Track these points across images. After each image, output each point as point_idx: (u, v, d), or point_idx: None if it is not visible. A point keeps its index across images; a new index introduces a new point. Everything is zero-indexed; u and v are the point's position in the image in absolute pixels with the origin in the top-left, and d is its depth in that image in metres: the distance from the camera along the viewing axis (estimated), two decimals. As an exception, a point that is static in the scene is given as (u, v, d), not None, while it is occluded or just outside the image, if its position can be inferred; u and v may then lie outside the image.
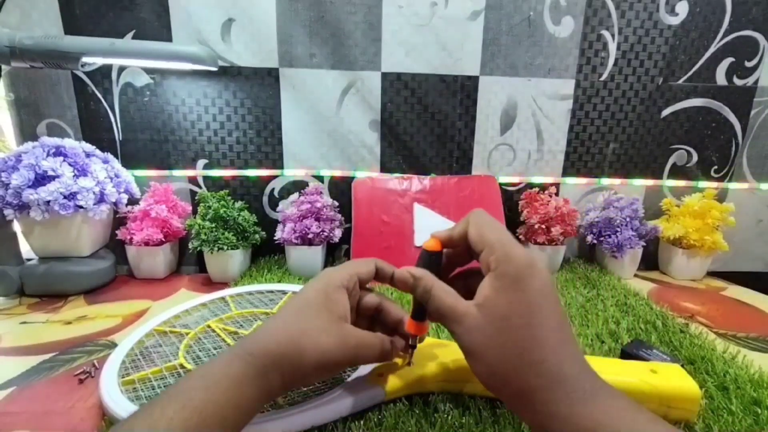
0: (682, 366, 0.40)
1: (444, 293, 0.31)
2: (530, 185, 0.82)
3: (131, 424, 0.24)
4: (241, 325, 0.52)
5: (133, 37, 0.72)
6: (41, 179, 0.62)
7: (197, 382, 0.27)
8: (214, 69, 0.72)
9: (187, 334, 0.49)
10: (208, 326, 0.51)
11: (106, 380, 0.40)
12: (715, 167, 0.83)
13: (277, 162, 0.81)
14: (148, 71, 0.74)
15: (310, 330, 0.30)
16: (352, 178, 0.80)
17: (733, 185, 0.84)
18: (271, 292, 0.61)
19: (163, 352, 0.46)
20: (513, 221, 0.81)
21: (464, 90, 0.79)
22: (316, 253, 0.73)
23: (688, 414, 0.37)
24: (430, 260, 0.34)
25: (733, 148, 0.82)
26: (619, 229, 0.75)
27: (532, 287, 0.27)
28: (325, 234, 0.73)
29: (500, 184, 0.81)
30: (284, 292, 0.61)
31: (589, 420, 0.24)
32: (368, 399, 0.38)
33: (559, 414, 0.25)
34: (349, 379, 0.40)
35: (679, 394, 0.37)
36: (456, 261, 0.35)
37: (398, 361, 0.40)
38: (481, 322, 0.28)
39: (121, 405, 0.37)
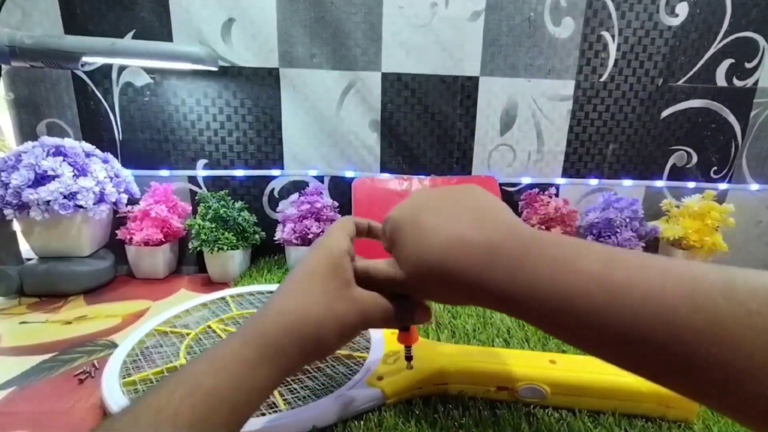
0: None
1: (378, 264, 0.33)
2: (530, 186, 0.83)
3: (135, 411, 0.23)
4: (241, 326, 0.52)
5: (134, 37, 0.72)
6: (41, 179, 0.62)
7: (206, 366, 0.26)
8: (215, 69, 0.72)
9: (188, 334, 0.49)
10: (209, 326, 0.51)
11: (108, 381, 0.40)
12: (715, 168, 0.83)
13: (278, 162, 0.81)
14: (149, 71, 0.74)
15: (322, 299, 0.30)
16: (352, 179, 0.80)
17: (732, 186, 0.84)
18: (271, 292, 0.61)
19: (164, 353, 0.46)
20: (513, 222, 0.81)
21: (464, 90, 0.79)
22: (316, 253, 0.73)
23: (686, 414, 0.37)
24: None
25: (733, 149, 0.82)
26: (618, 230, 0.76)
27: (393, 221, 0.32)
28: (325, 234, 0.73)
29: (500, 185, 0.81)
30: None
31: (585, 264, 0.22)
32: (368, 402, 0.38)
33: (539, 273, 0.23)
34: (349, 382, 0.40)
35: (678, 396, 0.37)
36: None
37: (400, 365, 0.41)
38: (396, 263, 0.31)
39: (122, 406, 0.36)
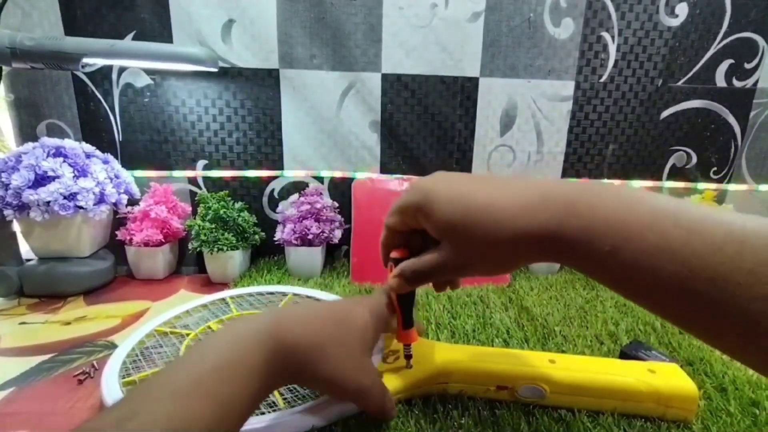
0: (681, 366, 0.41)
1: (423, 259, 0.33)
2: (530, 186, 0.82)
3: (146, 424, 0.22)
4: None
5: (134, 38, 0.72)
6: (41, 180, 0.62)
7: (223, 372, 0.26)
8: (215, 70, 0.72)
9: (188, 334, 0.49)
10: (209, 327, 0.51)
11: (107, 380, 0.40)
12: (715, 168, 0.83)
13: (277, 163, 0.81)
14: (149, 72, 0.74)
15: (339, 345, 0.32)
16: (352, 179, 0.81)
17: (732, 186, 0.84)
18: (272, 293, 0.61)
19: (164, 353, 0.46)
20: (513, 222, 0.81)
21: (464, 91, 0.79)
22: (316, 254, 0.73)
23: (686, 413, 0.37)
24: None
25: (733, 150, 0.82)
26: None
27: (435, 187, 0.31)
28: (325, 235, 0.73)
29: (500, 186, 0.81)
30: (284, 294, 0.61)
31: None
32: None
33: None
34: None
35: (677, 394, 0.37)
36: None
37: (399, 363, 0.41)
38: (450, 247, 0.31)
39: None
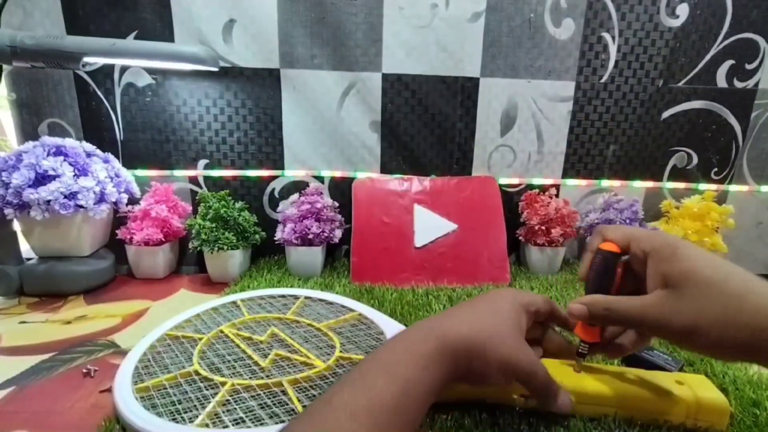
0: (682, 366, 0.40)
1: (622, 300, 0.31)
2: (530, 186, 0.82)
3: (351, 396, 0.26)
4: (254, 331, 0.51)
5: (136, 38, 0.72)
6: (42, 179, 0.62)
7: (402, 355, 0.29)
8: (216, 69, 0.72)
9: (200, 339, 0.49)
10: (221, 331, 0.51)
11: (121, 386, 0.39)
12: (715, 169, 0.83)
13: (278, 162, 0.81)
14: (150, 71, 0.74)
15: (500, 330, 0.32)
16: (352, 179, 0.81)
17: (733, 187, 0.84)
18: (283, 296, 0.61)
19: (177, 358, 0.45)
20: (513, 222, 0.81)
21: (465, 91, 0.79)
22: (316, 253, 0.73)
23: (717, 426, 0.36)
24: (606, 263, 0.34)
25: (734, 151, 0.82)
26: (619, 231, 0.75)
27: (689, 252, 0.29)
28: (325, 234, 0.73)
29: (500, 186, 0.81)
30: (296, 297, 0.60)
31: None
32: None
33: None
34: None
35: (707, 407, 0.36)
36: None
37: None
38: (674, 300, 0.28)
39: (135, 412, 0.36)
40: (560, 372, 0.38)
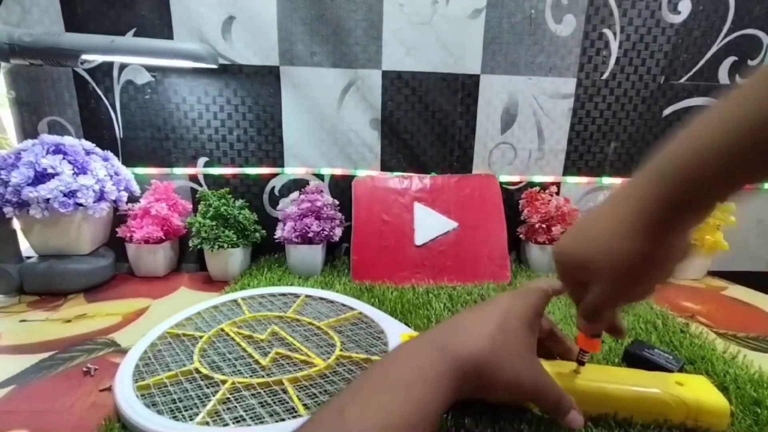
0: (683, 366, 0.40)
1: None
2: (531, 184, 0.82)
3: (364, 413, 0.25)
4: (254, 329, 0.51)
5: (135, 35, 0.72)
6: (41, 177, 0.62)
7: (414, 373, 0.29)
8: (215, 67, 0.72)
9: (201, 337, 0.48)
10: (222, 329, 0.51)
11: (121, 384, 0.39)
12: (717, 167, 0.83)
13: (278, 160, 0.80)
14: (149, 69, 0.74)
15: (510, 348, 0.32)
16: (352, 177, 0.80)
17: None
18: (284, 295, 0.61)
19: (178, 356, 0.45)
20: (513, 220, 0.81)
21: (465, 88, 0.78)
22: (316, 251, 0.73)
23: (717, 427, 0.36)
24: None
25: (735, 148, 0.82)
26: (619, 229, 0.75)
27: None
28: (326, 233, 0.73)
29: (501, 183, 0.81)
30: (297, 295, 0.60)
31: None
32: None
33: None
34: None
35: (707, 409, 0.36)
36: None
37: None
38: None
39: (136, 410, 0.36)
40: (560, 372, 0.38)
